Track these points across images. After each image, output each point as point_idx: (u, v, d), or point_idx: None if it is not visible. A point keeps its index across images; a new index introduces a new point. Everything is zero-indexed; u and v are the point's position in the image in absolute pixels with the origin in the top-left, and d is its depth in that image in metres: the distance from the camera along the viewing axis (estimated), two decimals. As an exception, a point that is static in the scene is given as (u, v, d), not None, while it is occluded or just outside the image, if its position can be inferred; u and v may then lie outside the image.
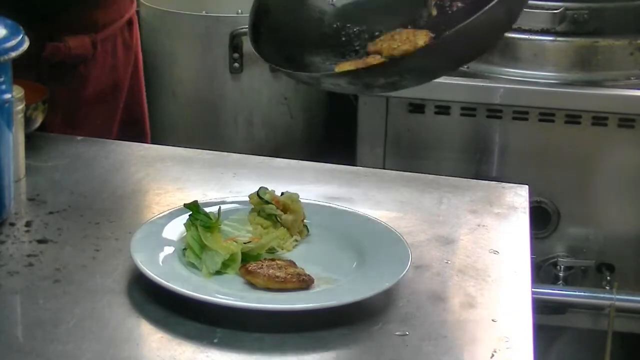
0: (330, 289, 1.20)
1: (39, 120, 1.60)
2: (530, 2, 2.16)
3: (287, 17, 1.41)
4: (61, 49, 1.71)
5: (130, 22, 1.86)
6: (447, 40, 1.25)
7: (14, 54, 1.32)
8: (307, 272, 1.22)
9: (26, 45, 1.35)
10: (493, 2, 1.21)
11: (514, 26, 2.17)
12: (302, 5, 1.44)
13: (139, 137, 1.86)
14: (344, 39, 1.43)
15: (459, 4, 1.40)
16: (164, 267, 1.21)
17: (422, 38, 1.36)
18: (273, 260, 1.24)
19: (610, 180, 2.24)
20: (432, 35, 1.37)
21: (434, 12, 1.41)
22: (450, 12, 1.40)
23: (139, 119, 1.93)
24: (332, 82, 1.32)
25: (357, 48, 1.41)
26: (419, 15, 1.42)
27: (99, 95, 1.80)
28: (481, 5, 1.30)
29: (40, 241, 1.33)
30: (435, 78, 1.35)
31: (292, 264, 1.24)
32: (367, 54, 1.39)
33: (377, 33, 1.42)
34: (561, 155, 2.26)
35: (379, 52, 1.37)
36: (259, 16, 1.39)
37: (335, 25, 1.44)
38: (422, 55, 1.28)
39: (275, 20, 1.40)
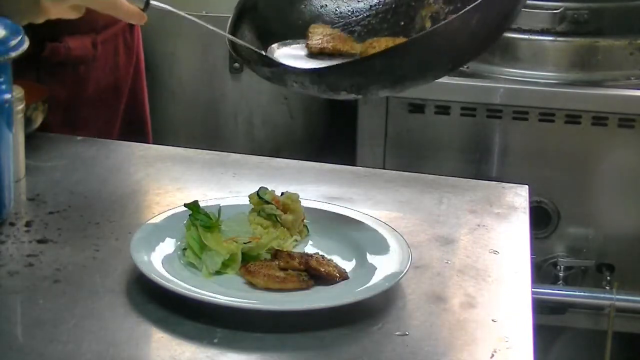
0: (330, 289, 1.20)
1: (39, 120, 1.60)
2: (530, 2, 2.16)
3: (273, 15, 1.40)
4: (61, 50, 1.70)
5: (131, 23, 1.85)
6: (414, 42, 1.21)
7: (14, 54, 1.32)
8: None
9: (26, 45, 1.35)
10: (466, 9, 1.17)
11: (514, 26, 2.18)
12: (292, 9, 1.42)
13: (141, 139, 1.85)
14: None
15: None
16: (164, 267, 1.21)
17: None
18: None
19: (610, 180, 2.24)
20: None
21: (428, 24, 1.37)
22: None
23: (141, 120, 1.92)
24: (295, 79, 1.28)
25: None
26: (412, 27, 1.39)
27: (99, 96, 1.80)
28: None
29: (40, 241, 1.32)
30: (402, 85, 1.29)
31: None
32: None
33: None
34: (561, 155, 2.26)
35: (354, 56, 1.34)
36: (244, 10, 1.38)
37: None
38: (386, 55, 1.24)
39: (260, 17, 1.38)
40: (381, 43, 1.34)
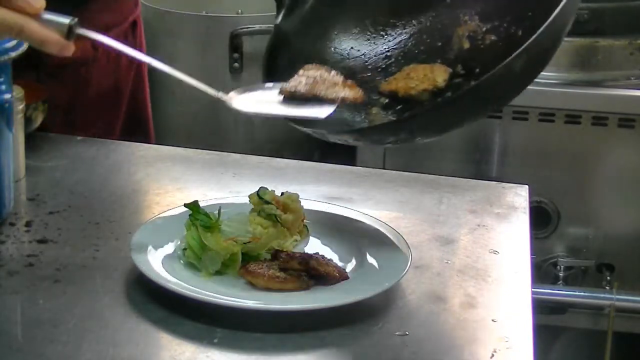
0: (330, 289, 1.20)
1: (39, 120, 1.60)
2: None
3: (307, 49, 1.34)
4: None
5: (134, 24, 1.85)
6: (461, 98, 1.16)
7: (14, 54, 1.32)
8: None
9: (26, 45, 1.35)
10: (513, 56, 1.12)
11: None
12: (325, 38, 1.36)
13: (142, 140, 1.84)
14: (369, 74, 1.35)
15: (492, 37, 1.32)
16: (164, 267, 1.21)
17: (440, 75, 1.28)
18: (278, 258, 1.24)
19: (610, 180, 2.24)
20: (451, 70, 1.29)
21: (466, 45, 1.33)
22: (482, 46, 1.32)
23: (143, 121, 1.91)
24: (337, 138, 1.23)
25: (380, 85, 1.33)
26: (449, 47, 1.34)
27: (100, 97, 1.79)
28: (512, 42, 1.22)
29: (40, 241, 1.33)
30: (446, 132, 1.24)
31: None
32: (381, 94, 1.30)
33: (392, 69, 1.34)
34: (561, 155, 2.26)
35: (394, 92, 1.28)
36: (275, 49, 1.32)
37: (359, 58, 1.36)
38: (429, 114, 1.19)
39: (294, 53, 1.32)
40: (419, 71, 1.29)
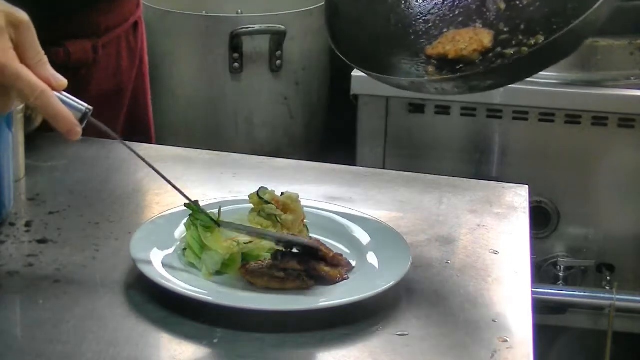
0: (330, 289, 1.20)
1: (39, 120, 1.60)
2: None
3: (355, 19, 1.40)
4: (60, 55, 1.69)
5: (135, 25, 1.84)
6: (559, 40, 1.21)
7: (13, 54, 1.32)
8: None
9: (26, 45, 1.34)
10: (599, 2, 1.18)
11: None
12: (371, 4, 1.42)
13: (143, 141, 1.84)
14: (412, 37, 1.40)
15: None
16: (164, 267, 1.21)
17: (485, 37, 1.34)
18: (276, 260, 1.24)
19: (610, 180, 2.24)
20: (493, 32, 1.34)
21: (503, 6, 1.37)
22: (521, 5, 1.36)
23: (144, 123, 1.90)
24: (436, 87, 1.30)
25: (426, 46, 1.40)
26: (486, 10, 1.38)
27: (101, 98, 1.77)
28: None
29: (40, 241, 1.32)
30: (524, 78, 1.36)
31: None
32: (428, 57, 1.36)
33: (433, 32, 1.40)
34: (561, 155, 2.26)
35: (443, 55, 1.34)
36: (332, 19, 1.38)
37: (400, 25, 1.42)
38: (535, 56, 1.24)
39: (344, 22, 1.39)
40: (463, 35, 1.35)
